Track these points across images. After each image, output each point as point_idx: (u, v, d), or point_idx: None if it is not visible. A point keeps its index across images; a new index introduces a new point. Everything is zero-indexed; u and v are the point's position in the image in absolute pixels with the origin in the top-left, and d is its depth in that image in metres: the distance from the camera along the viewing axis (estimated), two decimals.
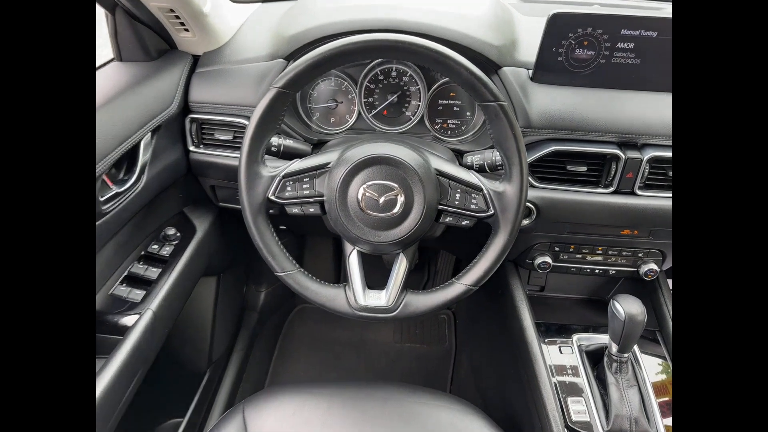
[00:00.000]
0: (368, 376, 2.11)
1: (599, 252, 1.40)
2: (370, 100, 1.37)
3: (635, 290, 1.54)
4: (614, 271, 1.44)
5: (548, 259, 1.42)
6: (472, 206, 1.04)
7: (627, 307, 1.18)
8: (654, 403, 1.23)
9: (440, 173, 1.05)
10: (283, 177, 1.00)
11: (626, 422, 1.19)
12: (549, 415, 1.19)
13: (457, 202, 1.05)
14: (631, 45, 1.18)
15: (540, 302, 1.61)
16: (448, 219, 1.06)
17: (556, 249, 1.41)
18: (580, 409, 1.22)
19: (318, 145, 1.30)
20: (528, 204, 1.27)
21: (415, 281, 2.38)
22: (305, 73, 0.93)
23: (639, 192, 1.25)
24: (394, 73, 1.34)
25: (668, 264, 1.49)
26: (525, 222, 1.30)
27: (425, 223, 1.03)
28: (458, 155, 1.29)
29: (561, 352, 1.34)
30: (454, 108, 1.35)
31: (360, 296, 1.04)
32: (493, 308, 1.68)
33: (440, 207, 1.05)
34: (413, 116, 1.37)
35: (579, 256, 1.42)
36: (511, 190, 1.01)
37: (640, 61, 1.19)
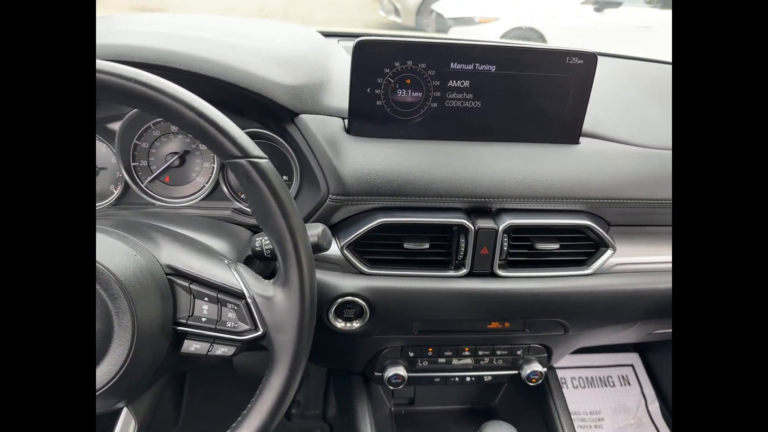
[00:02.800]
0: None
1: (466, 354, 1.06)
2: (143, 163, 0.98)
3: (527, 393, 1.19)
4: (490, 377, 1.09)
5: (401, 372, 1.04)
6: (228, 324, 0.65)
7: None
8: None
9: (176, 272, 0.66)
10: None
11: None
12: None
13: (204, 318, 0.65)
14: (466, 83, 0.90)
15: (408, 422, 1.21)
16: (194, 347, 0.66)
17: (411, 354, 1.04)
18: None
19: None
20: (356, 299, 0.90)
21: None
22: None
23: (500, 272, 0.94)
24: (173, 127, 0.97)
25: (560, 359, 1.17)
26: (356, 325, 0.93)
27: (146, 354, 0.62)
28: None
29: None
30: None
31: None
32: None
33: (179, 328, 0.65)
34: (206, 183, 1.00)
35: (442, 360, 1.06)
36: (285, 297, 0.64)
37: (480, 104, 0.92)
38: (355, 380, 1.11)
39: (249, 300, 0.65)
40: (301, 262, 0.64)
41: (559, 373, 2.09)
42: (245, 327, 0.65)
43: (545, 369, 1.08)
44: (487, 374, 1.08)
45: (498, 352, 1.06)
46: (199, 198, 1.00)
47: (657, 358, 2.08)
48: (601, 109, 1.02)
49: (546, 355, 1.07)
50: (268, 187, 0.62)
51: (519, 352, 1.06)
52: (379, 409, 1.22)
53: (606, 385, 2.04)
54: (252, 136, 0.87)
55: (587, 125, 0.96)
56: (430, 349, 1.04)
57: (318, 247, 0.78)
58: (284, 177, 0.98)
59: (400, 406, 1.25)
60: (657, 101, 1.11)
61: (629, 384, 2.05)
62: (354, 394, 1.08)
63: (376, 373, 1.05)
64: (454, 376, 1.08)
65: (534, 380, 1.06)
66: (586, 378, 2.07)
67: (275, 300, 0.65)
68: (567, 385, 2.04)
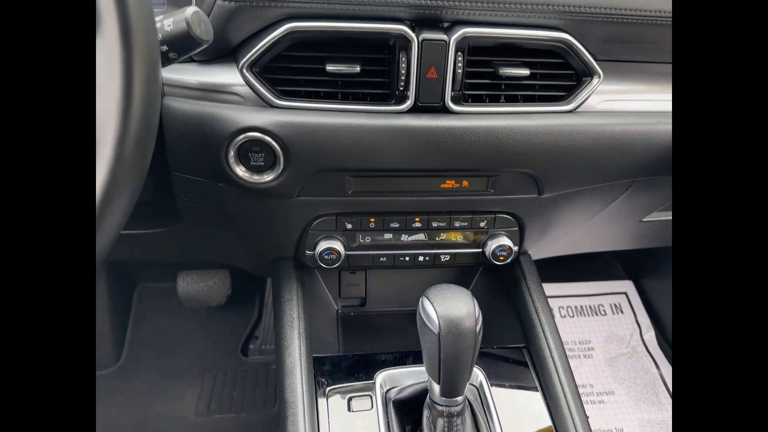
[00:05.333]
0: None
1: (417, 226, 0.85)
2: None
3: (500, 286, 1.00)
4: (447, 257, 0.89)
5: (336, 246, 0.84)
6: None
7: (445, 306, 0.63)
8: None
9: None
10: None
11: None
12: None
13: None
14: None
15: (356, 324, 1.02)
16: None
17: (348, 226, 0.84)
18: None
19: None
20: (264, 137, 0.69)
21: None
22: None
23: (453, 106, 0.73)
24: None
25: (534, 246, 0.97)
26: (268, 177, 0.73)
27: None
28: None
29: (350, 409, 0.73)
30: None
31: None
32: None
33: None
34: None
35: (388, 237, 0.86)
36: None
37: None
38: (285, 264, 0.91)
39: None
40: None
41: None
42: None
43: (516, 247, 0.88)
44: (444, 253, 0.88)
45: (456, 224, 0.85)
46: None
47: (653, 286, 1.90)
48: None
49: (517, 229, 0.87)
50: None
51: (483, 225, 0.86)
52: (323, 311, 1.03)
53: (597, 314, 1.87)
54: None
55: None
56: (372, 220, 0.83)
57: (191, 39, 0.57)
58: None
59: (350, 306, 1.06)
60: None
61: (622, 312, 1.87)
62: (282, 282, 0.88)
63: (307, 252, 0.85)
64: (404, 255, 0.87)
65: (501, 258, 0.86)
66: (576, 307, 1.89)
67: None
68: (555, 314, 1.86)
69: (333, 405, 0.74)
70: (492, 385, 0.77)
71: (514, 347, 0.85)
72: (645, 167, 0.81)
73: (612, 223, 1.08)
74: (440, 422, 0.66)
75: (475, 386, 0.79)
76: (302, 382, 0.73)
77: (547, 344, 0.82)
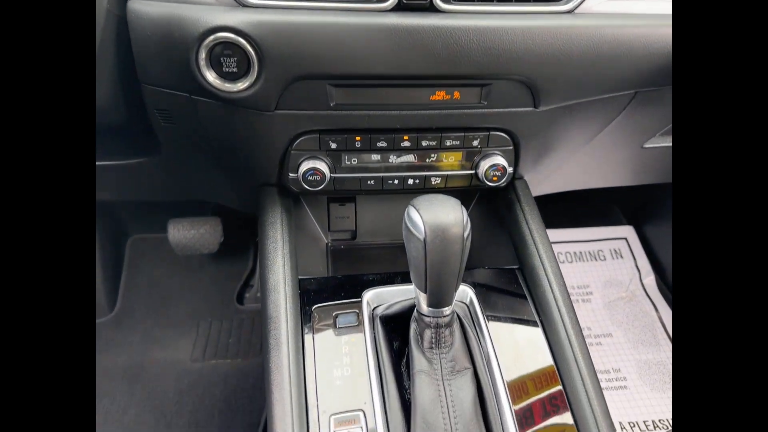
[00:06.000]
0: (147, 422, 1.37)
1: (406, 145, 0.81)
2: None
3: (497, 215, 0.97)
4: (438, 180, 0.85)
5: (320, 166, 0.79)
6: None
7: (431, 213, 0.59)
8: (507, 405, 0.63)
9: None
10: None
11: None
12: None
13: None
14: None
15: (347, 257, 0.99)
16: None
17: (333, 146, 0.79)
18: None
19: None
20: (237, 39, 0.64)
21: None
22: None
23: (442, 4, 0.67)
24: None
25: (530, 170, 0.93)
26: (242, 85, 0.68)
27: None
28: None
29: (336, 326, 0.71)
30: None
31: None
32: None
33: None
34: None
35: (376, 158, 0.82)
36: None
37: None
38: (267, 191, 0.86)
39: None
40: None
41: None
42: None
43: (511, 169, 0.84)
44: (436, 175, 0.83)
45: (448, 143, 0.81)
46: None
47: (654, 231, 1.86)
48: None
49: (511, 148, 0.83)
50: None
51: (475, 143, 0.81)
52: (313, 245, 0.99)
53: (596, 260, 1.84)
54: None
55: None
56: (358, 138, 0.79)
57: None
58: None
59: (340, 241, 1.02)
60: None
61: (622, 257, 1.84)
62: (266, 209, 0.84)
63: (290, 175, 0.81)
64: (393, 178, 0.83)
65: (495, 178, 0.82)
66: (575, 253, 1.86)
67: None
68: None
69: (318, 322, 0.71)
70: (483, 304, 0.74)
71: (507, 268, 0.82)
72: (645, 76, 0.76)
73: (613, 150, 1.04)
74: (427, 333, 0.63)
75: (465, 303, 0.76)
76: (286, 298, 0.70)
77: (542, 264, 0.78)
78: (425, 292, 0.61)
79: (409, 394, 0.62)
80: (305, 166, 0.79)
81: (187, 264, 1.74)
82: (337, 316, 0.72)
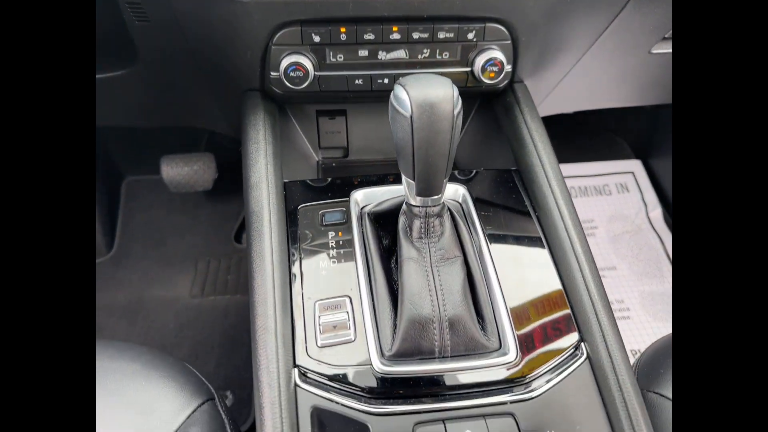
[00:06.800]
0: None
1: (396, 38, 0.75)
2: None
3: (498, 125, 0.91)
4: None
5: (305, 62, 0.74)
6: None
7: (419, 89, 0.54)
8: (500, 299, 0.60)
9: None
10: None
11: (432, 331, 0.55)
12: (261, 365, 0.53)
13: None
14: None
15: (338, 173, 0.95)
16: None
17: (316, 39, 0.73)
18: (336, 320, 0.57)
19: None
20: None
21: None
22: None
23: None
24: None
25: (529, 74, 0.87)
26: None
27: None
28: None
29: (323, 223, 0.67)
30: None
31: None
32: None
33: None
34: None
35: (363, 53, 0.76)
36: None
37: None
38: (251, 96, 0.82)
39: None
40: None
41: None
42: None
43: (509, 67, 0.78)
44: (429, 72, 0.78)
45: (441, 35, 0.75)
46: None
47: (662, 164, 1.80)
48: None
49: (509, 42, 0.77)
50: None
51: (470, 36, 0.76)
52: (303, 163, 0.95)
53: (602, 194, 1.79)
54: None
55: None
56: (343, 30, 0.73)
57: None
58: None
59: (331, 159, 0.98)
60: None
61: (628, 191, 1.79)
62: (248, 113, 0.79)
63: (272, 75, 0.76)
64: (382, 77, 0.78)
65: (492, 75, 0.77)
66: (580, 187, 1.81)
67: None
68: None
69: (303, 219, 0.68)
70: (476, 201, 0.70)
71: (503, 170, 0.78)
72: None
73: (620, 56, 0.97)
74: (416, 224, 0.60)
75: (458, 202, 0.72)
76: (269, 194, 0.66)
77: (540, 161, 0.74)
78: (413, 179, 0.57)
79: (397, 285, 0.60)
80: (287, 61, 0.73)
81: (183, 205, 1.72)
82: (323, 214, 0.68)
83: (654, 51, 0.97)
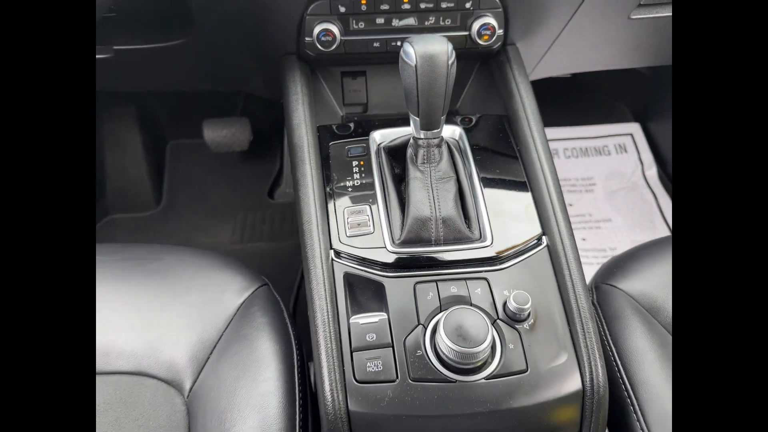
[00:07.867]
0: None
1: (406, 8, 0.92)
2: None
3: (494, 81, 1.08)
4: None
5: (333, 29, 0.92)
6: None
7: (422, 45, 0.72)
8: (483, 206, 0.79)
9: None
10: None
11: (430, 226, 0.74)
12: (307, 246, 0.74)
13: None
14: None
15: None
16: None
17: (342, 9, 0.92)
18: (360, 220, 0.77)
19: None
20: None
21: None
22: None
23: None
24: None
25: (521, 37, 1.03)
26: None
27: None
28: None
29: (348, 155, 0.87)
30: None
31: None
32: None
33: None
34: None
35: (380, 21, 0.94)
36: None
37: None
38: (289, 59, 1.01)
39: None
40: None
41: (552, 145, 1.98)
42: None
43: (501, 31, 0.95)
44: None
45: (443, 4, 0.92)
46: None
47: (660, 128, 1.93)
48: None
49: (500, 9, 0.93)
50: None
51: (468, 5, 0.92)
52: (329, 118, 1.14)
53: (601, 154, 1.94)
54: None
55: None
56: (363, 2, 0.91)
57: None
58: None
59: (353, 114, 1.17)
60: None
61: (626, 152, 1.93)
62: (287, 73, 0.98)
63: (306, 39, 0.95)
64: (395, 40, 0.96)
65: (486, 37, 0.94)
66: (580, 148, 1.96)
67: None
68: (559, 155, 1.94)
69: (334, 152, 0.87)
70: (470, 138, 0.88)
71: (495, 114, 0.96)
72: None
73: (602, 23, 1.12)
74: (420, 152, 0.78)
75: (455, 139, 0.91)
76: (306, 132, 0.87)
77: (524, 108, 0.91)
78: (418, 116, 0.76)
79: (405, 197, 0.79)
80: (318, 28, 0.92)
81: (222, 165, 1.93)
82: (349, 148, 0.88)
83: (633, 16, 1.12)
